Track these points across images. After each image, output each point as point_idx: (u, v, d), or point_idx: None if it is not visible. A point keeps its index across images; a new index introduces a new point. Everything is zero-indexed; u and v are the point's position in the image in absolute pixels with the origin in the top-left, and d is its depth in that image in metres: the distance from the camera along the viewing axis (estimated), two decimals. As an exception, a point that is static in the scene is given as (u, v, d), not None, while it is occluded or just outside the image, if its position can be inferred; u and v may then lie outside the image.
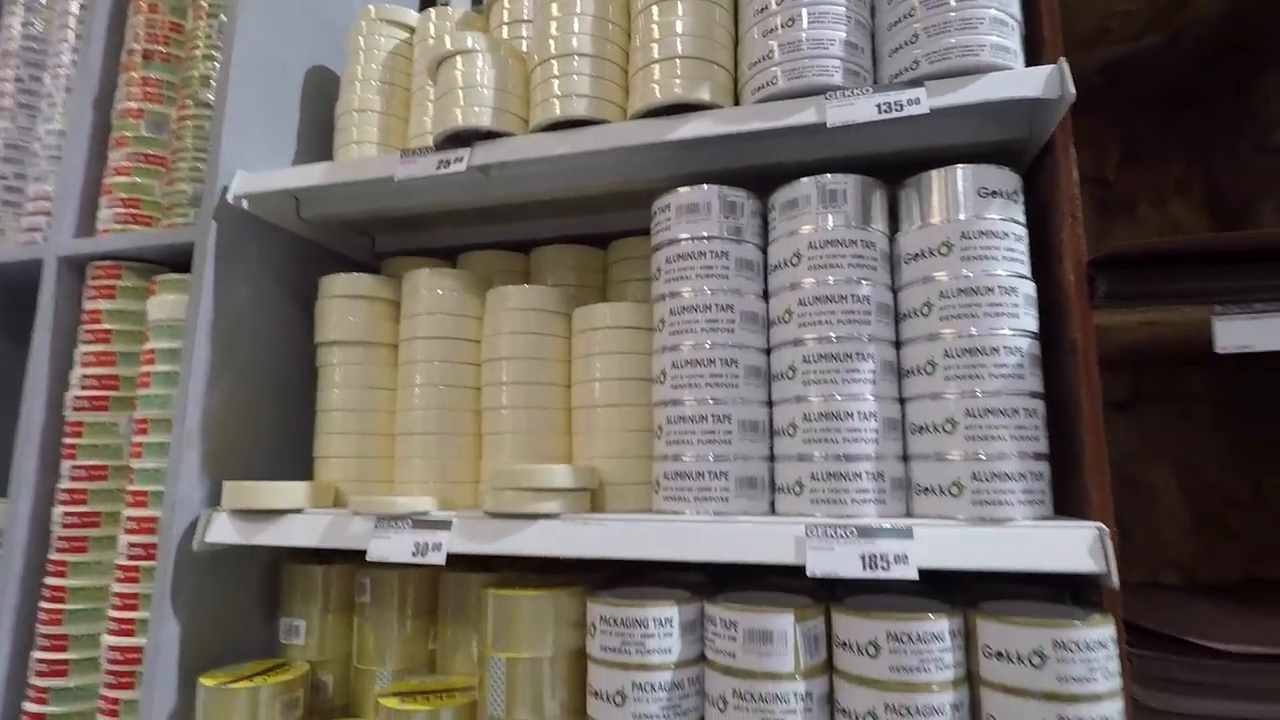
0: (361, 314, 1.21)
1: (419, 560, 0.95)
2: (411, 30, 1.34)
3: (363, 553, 0.99)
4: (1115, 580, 0.77)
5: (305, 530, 1.05)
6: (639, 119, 1.02)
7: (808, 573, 0.83)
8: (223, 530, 1.08)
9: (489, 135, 1.08)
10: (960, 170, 0.91)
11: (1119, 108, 1.34)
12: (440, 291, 1.18)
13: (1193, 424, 1.27)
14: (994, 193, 0.90)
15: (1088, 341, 0.87)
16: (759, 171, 1.07)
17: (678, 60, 1.01)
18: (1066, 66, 0.86)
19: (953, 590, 0.95)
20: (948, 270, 0.89)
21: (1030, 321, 0.88)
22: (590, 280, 1.32)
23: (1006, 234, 0.89)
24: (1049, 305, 0.94)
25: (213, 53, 1.38)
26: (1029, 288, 0.89)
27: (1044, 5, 0.94)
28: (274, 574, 1.24)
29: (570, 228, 1.38)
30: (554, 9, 1.08)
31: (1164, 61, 1.19)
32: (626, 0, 1.09)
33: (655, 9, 1.04)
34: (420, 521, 0.99)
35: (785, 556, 0.85)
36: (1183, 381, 1.27)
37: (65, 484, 1.24)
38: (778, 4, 0.98)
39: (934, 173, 0.93)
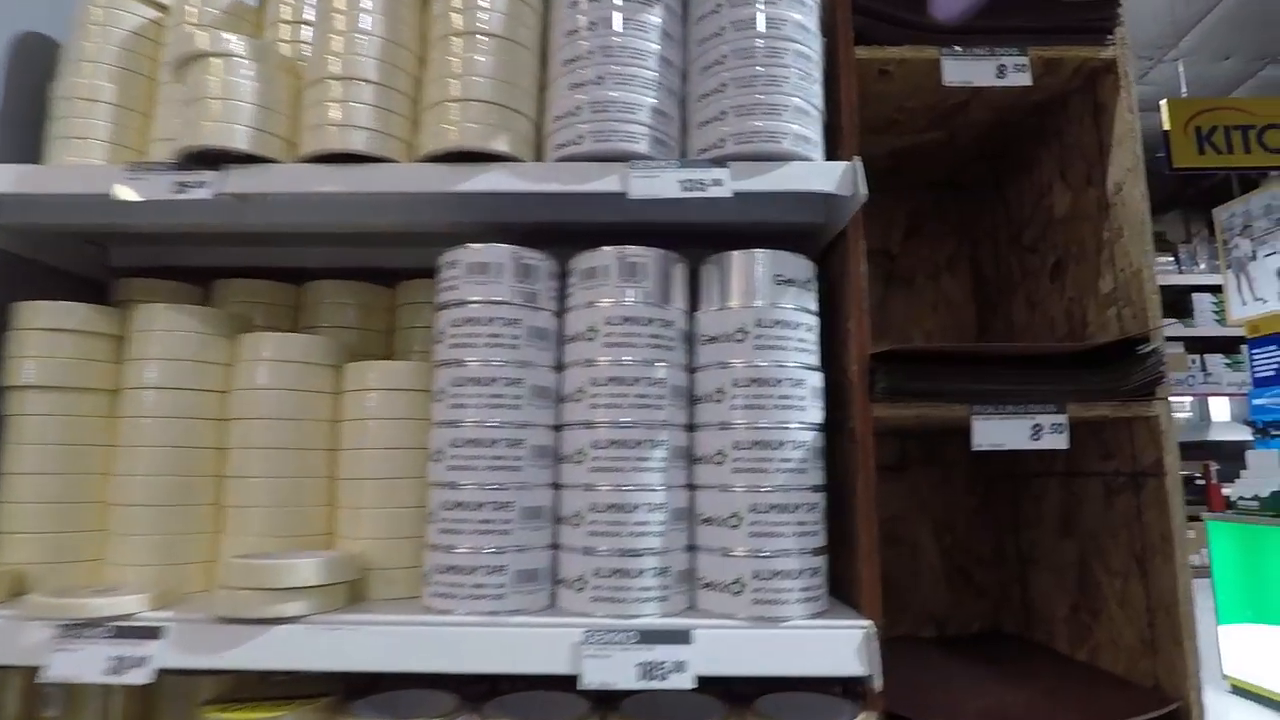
0: (68, 351, 0.98)
1: (115, 680, 0.77)
2: (165, 9, 1.12)
3: (40, 669, 0.79)
4: (878, 683, 0.78)
5: (-40, 637, 0.82)
6: (427, 162, 0.91)
7: (582, 685, 0.77)
8: None
9: (247, 159, 0.91)
10: (759, 256, 0.90)
11: (906, 187, 1.43)
12: (180, 333, 0.98)
13: (951, 487, 1.38)
14: (789, 281, 0.90)
15: (866, 431, 0.89)
16: (561, 229, 1.00)
17: (476, 103, 0.91)
18: (860, 166, 0.88)
19: (735, 680, 0.94)
20: (742, 358, 0.87)
21: (816, 414, 0.89)
22: (374, 322, 1.18)
23: (799, 324, 0.89)
24: (833, 386, 0.96)
25: None
26: (816, 379, 0.90)
27: (844, 98, 0.95)
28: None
29: (354, 259, 1.23)
30: (338, 21, 0.94)
31: (942, 154, 1.28)
32: (423, 25, 0.98)
33: (455, 41, 0.93)
34: (124, 629, 0.81)
35: (560, 665, 0.78)
36: (945, 447, 1.39)
37: None
38: (588, 56, 0.92)
39: (735, 255, 0.91)
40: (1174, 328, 7.19)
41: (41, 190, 0.92)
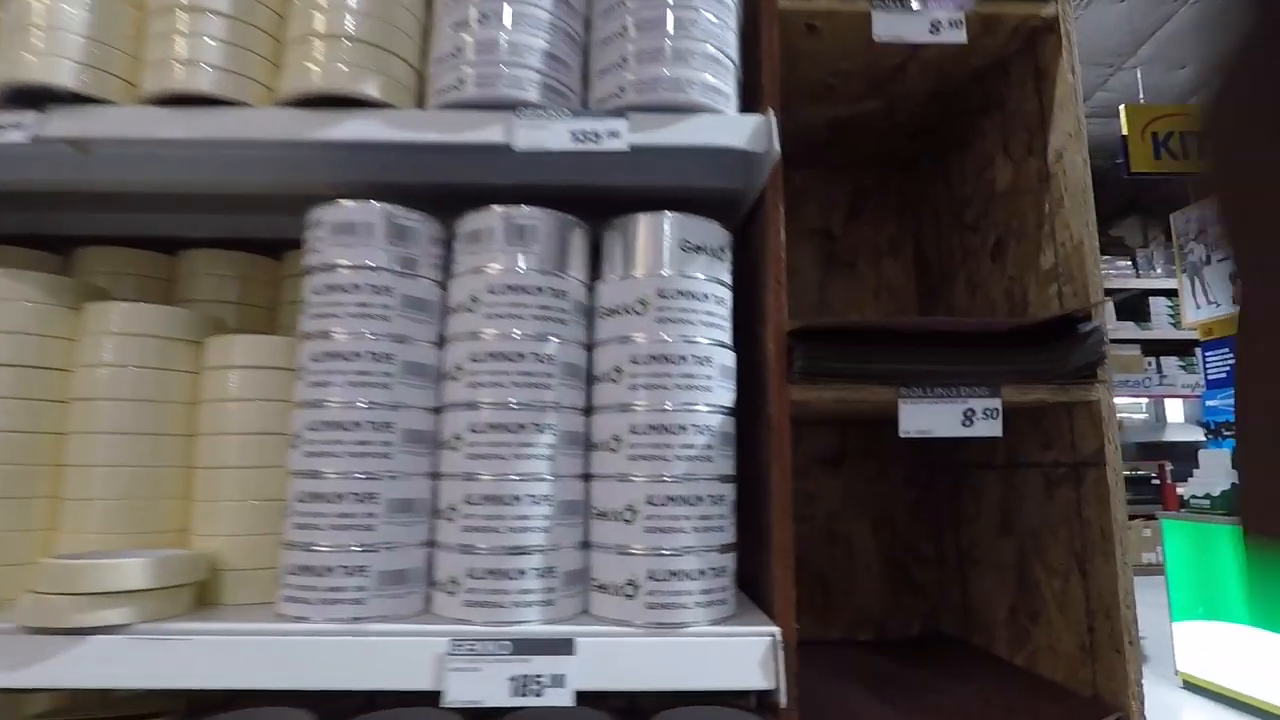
0: (-123, 323, 0.85)
1: (-114, 704, 0.65)
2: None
3: None
4: (784, 696, 0.69)
5: None
6: (288, 107, 0.80)
7: (445, 702, 0.66)
8: None
9: (78, 99, 0.79)
10: (664, 219, 0.80)
11: (847, 163, 1.36)
12: (16, 303, 0.86)
13: (889, 481, 1.31)
14: (698, 248, 0.80)
15: (782, 416, 0.80)
16: (456, 193, 0.90)
17: (346, 41, 0.80)
18: (775, 120, 0.79)
19: (635, 693, 0.84)
20: (643, 332, 0.78)
21: (725, 396, 0.80)
22: (256, 297, 1.06)
23: (707, 296, 0.80)
24: (752, 370, 0.87)
25: None
26: (727, 358, 0.81)
27: (765, 52, 0.86)
28: None
29: (238, 228, 1.11)
30: (192, -53, 0.83)
31: (883, 126, 1.20)
32: (291, -46, 0.87)
33: (325, -28, 0.82)
34: (-96, 642, 0.69)
35: (422, 680, 0.68)
36: (883, 439, 1.31)
37: None
38: (477, -6, 0.82)
39: (638, 218, 0.81)
40: (1131, 330, 7.30)
41: None
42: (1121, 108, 5.15)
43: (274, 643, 0.71)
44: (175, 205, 1.07)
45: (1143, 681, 0.81)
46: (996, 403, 0.83)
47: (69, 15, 0.79)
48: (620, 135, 0.75)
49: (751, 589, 0.87)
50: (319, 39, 0.80)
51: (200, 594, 0.82)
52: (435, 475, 0.79)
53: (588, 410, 0.81)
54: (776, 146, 0.76)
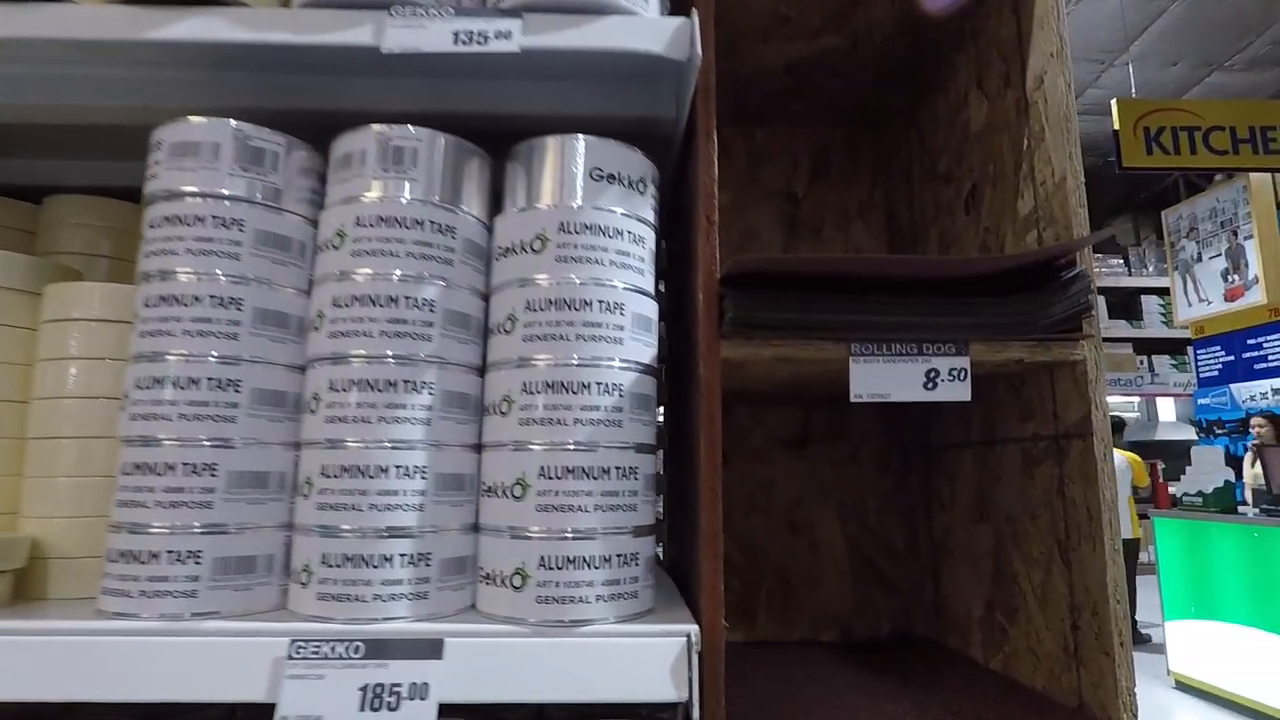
0: None
1: None
2: None
3: None
4: (697, 711, 0.56)
5: None
6: (115, 3, 0.67)
7: (279, 717, 0.54)
8: None
9: None
10: (573, 141, 0.68)
11: (812, 118, 1.23)
12: None
13: (859, 467, 1.19)
14: (611, 176, 0.68)
15: (712, 378, 0.68)
16: (336, 121, 0.77)
17: (193, -71, 0.67)
18: (698, 22, 0.66)
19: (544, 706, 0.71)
20: (543, 273, 0.65)
21: (642, 350, 0.67)
22: (130, 250, 0.93)
23: (621, 233, 0.67)
24: (687, 329, 0.75)
25: None
26: (645, 306, 0.68)
27: (697, -46, 0.74)
28: None
29: (120, 175, 0.98)
30: None
31: (847, 69, 1.08)
32: None
33: None
34: None
35: (255, 691, 0.55)
36: (853, 419, 1.19)
37: None
38: (357, -119, 0.69)
39: (544, 140, 0.69)
40: (1123, 329, 7.21)
41: None
42: (1113, 102, 5.06)
43: (85, 644, 0.58)
44: (41, 149, 0.94)
45: (1135, 690, 0.69)
46: (964, 361, 0.70)
47: None
48: (512, 36, 0.63)
49: (687, 584, 0.75)
50: (159, -75, 0.67)
51: (21, 585, 0.69)
52: (296, 445, 0.66)
53: (482, 369, 0.68)
54: (700, 50, 0.64)
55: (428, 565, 0.62)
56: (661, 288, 0.85)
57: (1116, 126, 4.99)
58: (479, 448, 0.67)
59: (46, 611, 0.64)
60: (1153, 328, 7.28)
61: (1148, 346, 7.23)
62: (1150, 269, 7.51)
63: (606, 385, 0.63)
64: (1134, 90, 5.90)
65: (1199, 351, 6.52)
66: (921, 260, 0.74)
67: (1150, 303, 7.36)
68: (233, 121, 0.67)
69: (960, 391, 0.70)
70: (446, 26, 0.63)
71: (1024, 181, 0.83)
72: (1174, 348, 7.15)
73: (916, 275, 0.71)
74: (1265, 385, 5.64)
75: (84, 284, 0.76)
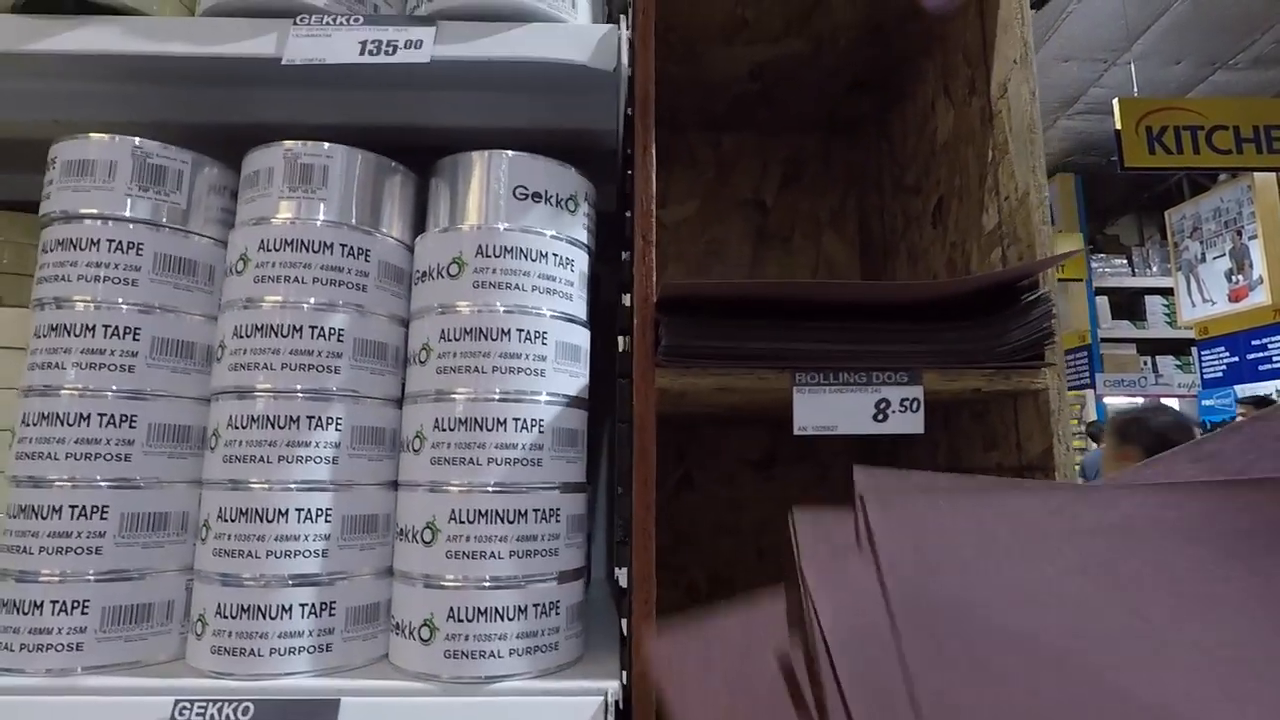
0: None
1: None
2: None
3: None
4: (614, 782, 0.52)
5: None
6: (7, 13, 0.63)
7: (156, 788, 0.50)
8: None
9: None
10: (492, 158, 0.63)
11: (782, 126, 1.19)
12: None
13: (828, 488, 1.14)
14: (536, 195, 0.64)
15: (646, 412, 0.64)
16: (264, 134, 0.73)
17: (91, -66, 0.63)
18: (633, 29, 0.62)
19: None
20: (458, 299, 0.61)
21: (568, 382, 0.63)
22: (31, 266, 0.89)
23: (547, 255, 0.63)
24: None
25: None
26: (575, 335, 0.64)
27: (637, -43, 0.69)
28: None
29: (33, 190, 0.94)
30: None
31: (813, 75, 1.03)
32: None
33: None
34: None
35: (132, 757, 0.51)
36: (823, 439, 1.14)
37: None
38: (271, -118, 0.65)
39: (463, 157, 0.64)
40: (1126, 329, 7.14)
41: None
42: (1115, 101, 4.99)
43: (-39, 702, 0.54)
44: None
45: None
46: (917, 391, 0.66)
47: None
48: (423, 46, 0.59)
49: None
50: (53, -71, 0.63)
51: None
52: (200, 483, 0.62)
53: (400, 402, 0.64)
54: (625, 60, 0.60)
55: (331, 615, 0.57)
56: (627, 301, 0.81)
57: (1118, 126, 4.92)
58: (394, 486, 0.63)
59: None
60: (1156, 328, 7.20)
61: (1151, 347, 7.15)
62: (1154, 269, 7.43)
63: (525, 421, 0.59)
64: (1136, 89, 5.82)
65: (1203, 352, 6.45)
66: (869, 285, 0.70)
67: (1154, 303, 7.28)
68: (135, 139, 0.63)
69: (913, 424, 0.66)
70: (353, 36, 0.59)
71: (989, 195, 0.78)
72: (1178, 348, 7.07)
73: (864, 300, 0.66)
74: (1270, 386, 5.57)
75: (-10, 308, 0.72)
